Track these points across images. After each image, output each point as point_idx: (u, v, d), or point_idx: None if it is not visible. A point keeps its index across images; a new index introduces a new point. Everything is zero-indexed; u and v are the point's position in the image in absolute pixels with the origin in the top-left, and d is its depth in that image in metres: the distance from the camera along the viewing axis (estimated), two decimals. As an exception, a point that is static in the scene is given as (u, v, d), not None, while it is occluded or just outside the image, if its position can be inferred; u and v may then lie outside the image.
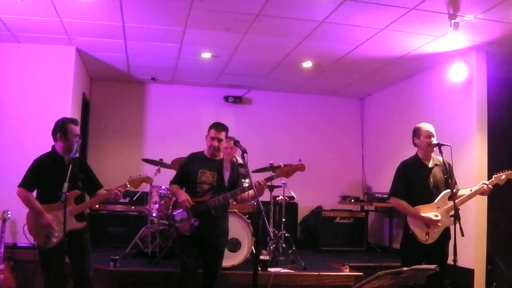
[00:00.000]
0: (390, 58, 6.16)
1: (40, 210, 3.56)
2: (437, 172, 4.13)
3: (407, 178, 4.14)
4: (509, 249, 5.71)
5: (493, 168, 5.45)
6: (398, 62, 6.29)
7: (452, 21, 4.78)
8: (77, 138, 3.63)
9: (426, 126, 4.15)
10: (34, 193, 3.70)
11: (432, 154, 4.18)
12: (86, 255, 3.73)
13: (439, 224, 3.97)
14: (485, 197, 5.10)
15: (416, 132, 4.16)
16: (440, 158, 4.06)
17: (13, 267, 5.10)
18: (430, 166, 4.14)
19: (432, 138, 4.08)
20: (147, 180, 3.94)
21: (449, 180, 4.02)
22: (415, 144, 4.20)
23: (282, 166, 4.10)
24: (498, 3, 4.35)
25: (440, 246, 4.01)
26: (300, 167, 4.05)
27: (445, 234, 4.03)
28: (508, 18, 4.66)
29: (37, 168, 3.66)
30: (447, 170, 4.11)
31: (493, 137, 5.60)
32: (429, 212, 4.00)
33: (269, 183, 5.47)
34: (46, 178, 3.61)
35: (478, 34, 5.16)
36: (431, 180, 4.10)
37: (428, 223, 3.99)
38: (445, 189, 4.04)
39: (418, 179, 4.11)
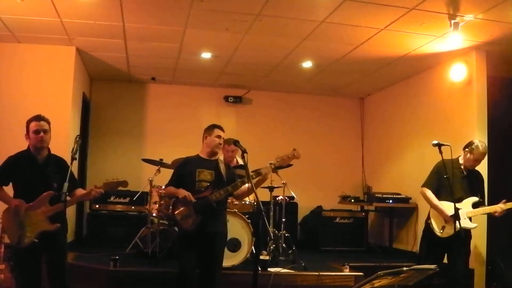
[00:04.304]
0: (390, 58, 6.16)
1: (7, 198, 3.54)
2: (470, 179, 4.45)
3: (441, 175, 4.32)
4: (509, 249, 5.70)
5: (493, 168, 5.46)
6: (398, 62, 6.29)
7: (452, 21, 4.78)
8: (76, 138, 3.61)
9: (483, 151, 4.38)
10: (11, 193, 3.64)
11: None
12: (61, 260, 3.63)
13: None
14: (485, 197, 5.13)
15: (472, 150, 4.37)
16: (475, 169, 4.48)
17: (13, 267, 5.09)
18: (465, 172, 4.44)
19: (478, 163, 4.43)
20: (125, 184, 3.85)
21: (477, 188, 4.46)
22: (464, 152, 4.46)
23: (278, 156, 4.11)
24: (498, 3, 4.36)
25: (462, 245, 4.24)
26: (296, 155, 4.10)
27: (467, 235, 4.31)
28: (508, 18, 4.65)
29: (8, 164, 3.62)
30: (479, 181, 4.51)
31: (493, 137, 5.60)
32: (451, 209, 4.18)
33: (270, 185, 5.50)
34: (18, 176, 3.57)
35: (478, 34, 5.16)
36: (463, 184, 4.40)
37: (446, 219, 4.29)
38: (471, 196, 4.40)
39: (451, 179, 4.29)
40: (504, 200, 4.31)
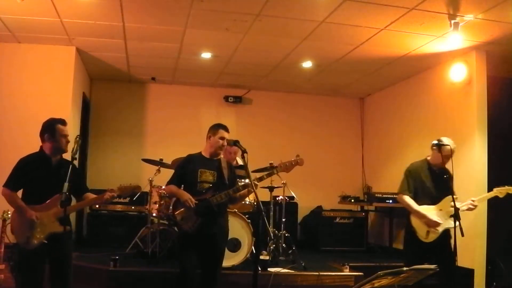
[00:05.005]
0: (390, 58, 6.16)
1: (24, 207, 3.49)
2: (442, 178, 4.25)
3: (415, 179, 4.30)
4: (509, 249, 5.71)
5: (492, 167, 5.46)
6: (398, 62, 6.29)
7: (452, 21, 4.79)
8: (77, 138, 3.60)
9: (451, 148, 4.23)
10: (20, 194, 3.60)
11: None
12: (67, 265, 3.59)
13: (439, 227, 4.15)
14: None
15: (441, 148, 4.23)
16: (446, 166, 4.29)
17: (13, 267, 5.09)
18: (437, 171, 4.30)
19: (447, 160, 4.26)
20: (138, 189, 3.86)
21: (450, 185, 4.23)
22: (432, 150, 4.33)
23: (281, 162, 4.12)
24: (498, 3, 4.36)
25: (443, 246, 4.15)
26: (299, 162, 4.10)
27: (446, 234, 4.18)
28: (508, 18, 4.65)
29: (22, 168, 3.56)
30: (449, 178, 4.29)
31: (493, 136, 5.61)
32: (431, 212, 4.17)
33: (270, 185, 5.51)
34: (31, 178, 3.53)
35: (478, 34, 5.16)
36: (437, 184, 4.28)
37: (429, 225, 4.17)
38: (448, 194, 4.20)
39: (425, 181, 4.27)
40: (471, 198, 4.27)
